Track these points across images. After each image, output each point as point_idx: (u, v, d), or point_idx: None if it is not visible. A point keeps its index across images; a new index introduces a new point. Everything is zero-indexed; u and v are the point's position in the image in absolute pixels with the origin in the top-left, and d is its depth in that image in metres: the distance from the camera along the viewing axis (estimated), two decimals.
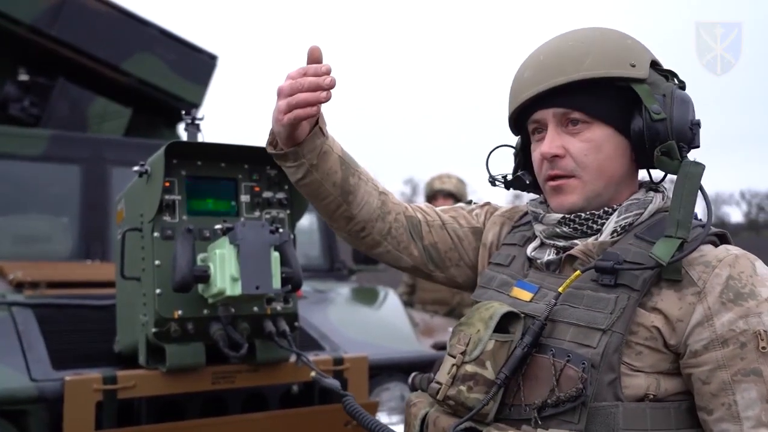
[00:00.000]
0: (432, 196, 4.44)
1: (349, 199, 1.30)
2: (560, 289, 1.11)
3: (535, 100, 1.19)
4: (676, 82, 1.20)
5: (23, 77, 3.86)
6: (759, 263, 1.11)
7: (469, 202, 1.50)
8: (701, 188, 1.11)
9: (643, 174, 1.26)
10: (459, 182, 4.47)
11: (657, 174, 1.27)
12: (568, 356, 1.07)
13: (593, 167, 1.17)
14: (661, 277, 1.09)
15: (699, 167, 1.11)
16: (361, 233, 1.35)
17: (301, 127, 1.20)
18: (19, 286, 2.57)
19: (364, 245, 1.38)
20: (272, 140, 1.26)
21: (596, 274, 1.11)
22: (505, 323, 1.14)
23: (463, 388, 1.11)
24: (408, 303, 4.50)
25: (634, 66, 1.16)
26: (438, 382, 1.15)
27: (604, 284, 1.10)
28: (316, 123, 1.23)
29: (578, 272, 1.11)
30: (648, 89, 1.15)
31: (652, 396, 1.06)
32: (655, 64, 1.20)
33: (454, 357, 1.14)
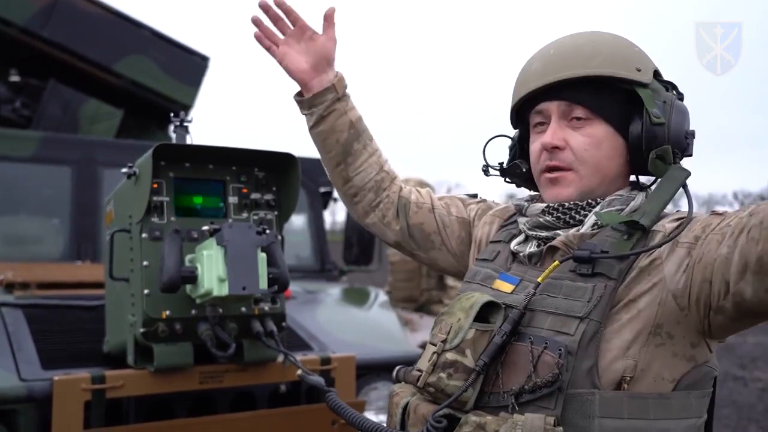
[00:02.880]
0: None
1: (348, 160, 1.48)
2: (539, 279, 1.14)
3: (541, 92, 1.23)
4: (675, 93, 1.25)
5: (14, 78, 3.87)
6: None
7: (474, 196, 1.56)
8: (685, 187, 1.15)
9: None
10: (418, 184, 4.66)
11: (645, 177, 1.30)
12: (546, 343, 1.09)
13: (591, 163, 1.21)
14: (633, 265, 1.11)
15: (684, 172, 1.17)
16: (354, 198, 1.53)
17: (319, 69, 1.44)
18: (9, 287, 2.59)
19: (356, 213, 1.56)
20: (300, 91, 1.49)
21: (575, 265, 1.14)
22: (486, 314, 1.17)
23: (443, 375, 1.13)
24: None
25: (639, 70, 1.20)
26: (419, 370, 1.17)
27: (582, 274, 1.13)
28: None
29: (557, 262, 1.14)
30: (650, 94, 1.19)
31: (629, 378, 1.07)
32: (657, 74, 1.24)
33: (435, 345, 1.17)
